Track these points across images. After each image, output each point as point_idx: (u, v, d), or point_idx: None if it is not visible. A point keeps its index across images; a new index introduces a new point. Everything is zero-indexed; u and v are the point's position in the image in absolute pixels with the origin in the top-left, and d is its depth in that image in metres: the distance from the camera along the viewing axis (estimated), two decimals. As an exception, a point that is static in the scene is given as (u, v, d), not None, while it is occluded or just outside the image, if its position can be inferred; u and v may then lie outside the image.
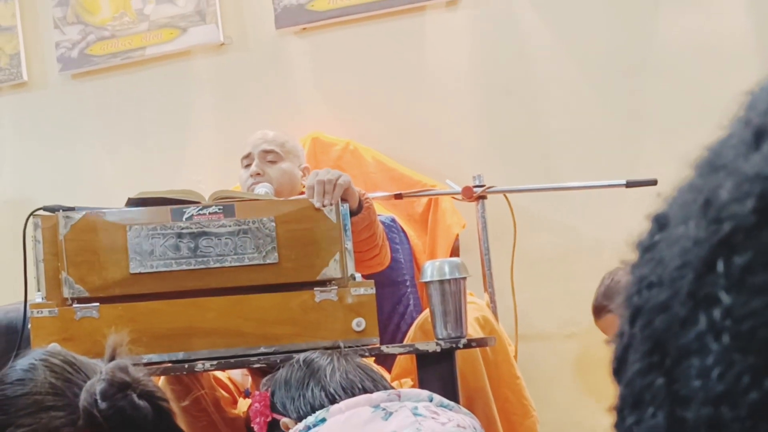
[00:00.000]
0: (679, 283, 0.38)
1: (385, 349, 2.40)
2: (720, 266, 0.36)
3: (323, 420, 1.66)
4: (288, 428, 1.75)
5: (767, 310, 0.34)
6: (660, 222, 0.41)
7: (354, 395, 1.73)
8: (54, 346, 1.67)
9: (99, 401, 1.47)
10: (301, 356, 1.92)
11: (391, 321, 3.15)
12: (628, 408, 0.42)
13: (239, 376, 2.88)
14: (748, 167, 0.36)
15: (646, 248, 0.42)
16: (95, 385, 1.49)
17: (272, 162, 3.01)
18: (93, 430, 1.47)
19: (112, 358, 1.57)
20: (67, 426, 1.49)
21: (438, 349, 2.32)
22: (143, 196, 2.48)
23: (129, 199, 2.49)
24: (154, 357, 2.31)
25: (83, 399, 1.49)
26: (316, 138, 3.60)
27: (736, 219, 0.35)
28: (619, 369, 0.43)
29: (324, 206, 2.45)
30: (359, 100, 3.69)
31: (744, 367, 0.35)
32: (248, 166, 3.03)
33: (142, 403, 1.49)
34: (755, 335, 0.34)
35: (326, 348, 2.06)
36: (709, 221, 0.37)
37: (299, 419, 1.73)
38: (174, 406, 1.62)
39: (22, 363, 1.58)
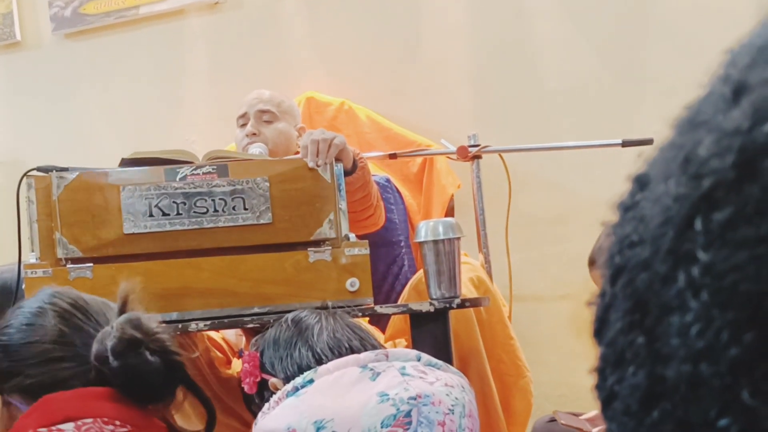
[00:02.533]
0: (660, 241, 0.38)
1: (378, 309, 2.40)
2: (698, 223, 0.35)
3: (311, 381, 1.66)
4: (276, 388, 1.75)
5: (750, 264, 0.34)
6: (641, 181, 0.41)
7: (341, 355, 1.74)
8: (68, 289, 1.60)
9: (111, 359, 1.43)
10: (290, 315, 1.92)
11: (386, 281, 3.15)
12: (610, 367, 0.42)
13: (233, 336, 2.89)
14: (728, 122, 0.35)
15: (627, 208, 0.42)
16: (106, 341, 1.44)
17: (268, 122, 3.01)
18: (99, 380, 1.46)
19: (122, 311, 1.50)
20: (76, 377, 1.46)
21: (431, 309, 2.33)
22: (137, 156, 2.47)
23: (122, 159, 2.48)
24: (148, 317, 2.31)
25: (94, 354, 1.45)
26: (310, 98, 3.59)
27: (716, 174, 0.35)
28: (600, 329, 0.43)
29: (318, 166, 2.45)
30: (354, 59, 3.67)
31: (723, 322, 0.34)
32: (244, 125, 3.03)
33: (154, 358, 1.45)
34: (737, 289, 0.34)
35: (315, 307, 2.07)
36: (689, 178, 0.36)
37: (287, 379, 1.74)
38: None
39: (30, 305, 1.53)
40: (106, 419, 1.40)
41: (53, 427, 1.37)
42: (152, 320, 1.49)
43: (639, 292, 0.39)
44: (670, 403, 0.37)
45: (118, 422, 1.41)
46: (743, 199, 0.34)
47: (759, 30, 0.38)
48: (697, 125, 0.37)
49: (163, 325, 1.53)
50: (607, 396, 0.42)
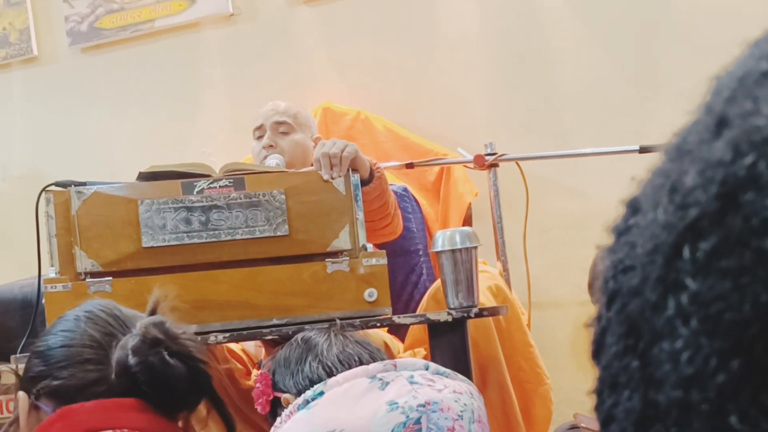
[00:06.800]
0: (650, 268, 0.38)
1: (396, 319, 2.41)
2: (686, 252, 0.36)
3: (321, 393, 1.67)
4: (289, 404, 1.76)
5: (733, 294, 0.34)
6: (633, 206, 0.42)
7: (351, 367, 1.75)
8: (107, 301, 1.62)
9: (130, 356, 1.42)
10: (300, 335, 1.95)
11: (405, 290, 3.15)
12: (607, 390, 0.42)
13: (253, 347, 2.90)
14: (711, 154, 0.36)
15: (621, 232, 0.42)
16: (129, 340, 1.45)
17: (284, 133, 3.01)
18: (125, 386, 1.44)
19: (152, 314, 1.52)
20: (100, 381, 1.45)
21: (449, 319, 2.33)
22: (154, 170, 2.49)
23: (140, 173, 2.49)
24: (167, 330, 2.32)
25: (116, 354, 1.45)
26: (327, 108, 3.60)
27: (700, 205, 0.36)
28: (597, 352, 0.44)
29: (333, 179, 2.46)
30: (370, 69, 3.68)
31: (711, 350, 0.35)
32: (260, 137, 3.03)
33: (173, 361, 1.43)
34: (722, 318, 0.34)
35: (325, 324, 2.08)
36: (676, 207, 0.37)
37: (298, 394, 1.75)
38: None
39: (68, 314, 1.54)
40: (126, 431, 1.39)
41: None
42: (180, 328, 1.49)
43: (632, 318, 0.39)
44: (663, 427, 0.37)
45: None
46: (726, 230, 0.34)
47: (742, 59, 0.39)
48: (684, 154, 0.38)
49: (193, 334, 1.53)
50: (605, 418, 0.43)
